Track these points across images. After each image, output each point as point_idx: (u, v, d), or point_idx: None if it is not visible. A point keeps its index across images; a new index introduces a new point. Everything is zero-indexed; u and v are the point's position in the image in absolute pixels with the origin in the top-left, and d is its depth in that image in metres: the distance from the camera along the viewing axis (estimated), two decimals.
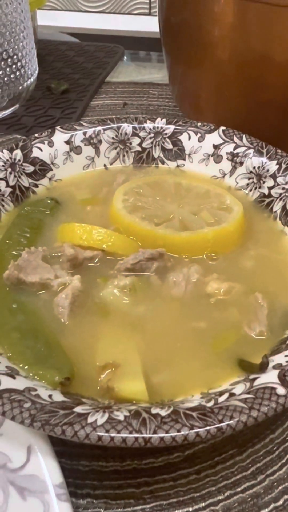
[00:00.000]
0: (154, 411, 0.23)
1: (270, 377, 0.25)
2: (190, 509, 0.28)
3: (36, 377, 0.27)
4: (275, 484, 0.29)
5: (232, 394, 0.24)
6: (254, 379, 0.25)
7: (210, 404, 0.24)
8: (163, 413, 0.23)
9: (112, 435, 0.22)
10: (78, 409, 0.23)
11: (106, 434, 0.22)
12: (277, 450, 0.31)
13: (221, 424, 0.22)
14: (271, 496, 0.28)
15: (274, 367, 0.26)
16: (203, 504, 0.28)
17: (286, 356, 0.26)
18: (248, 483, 0.29)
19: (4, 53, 0.42)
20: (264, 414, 0.23)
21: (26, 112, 0.61)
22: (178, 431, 0.22)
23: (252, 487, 0.29)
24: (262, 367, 0.26)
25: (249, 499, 0.28)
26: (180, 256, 0.35)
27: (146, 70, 0.74)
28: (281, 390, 0.24)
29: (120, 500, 0.28)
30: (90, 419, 0.23)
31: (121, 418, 0.23)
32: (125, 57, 0.79)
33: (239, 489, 0.29)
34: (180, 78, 0.57)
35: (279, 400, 0.23)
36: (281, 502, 0.28)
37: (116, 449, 0.30)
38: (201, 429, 0.22)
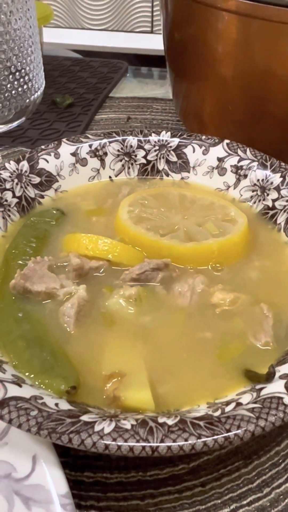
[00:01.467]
0: (161, 420, 0.23)
1: (277, 387, 0.25)
2: None
3: (42, 385, 0.27)
4: (281, 497, 0.29)
5: (239, 404, 0.24)
6: (261, 389, 0.25)
7: (217, 414, 0.24)
8: (170, 422, 0.23)
9: (119, 443, 0.22)
10: (85, 418, 0.23)
11: (113, 443, 0.22)
12: (283, 462, 0.30)
13: (229, 434, 0.22)
14: (277, 509, 0.28)
15: (281, 377, 0.26)
16: None
17: None
18: (254, 496, 0.29)
19: (13, 67, 0.42)
20: (272, 424, 0.23)
21: (32, 125, 0.62)
22: (186, 440, 0.22)
23: (258, 500, 0.29)
24: (269, 377, 0.26)
25: None
26: (185, 267, 0.35)
27: (148, 86, 0.76)
28: None
29: None
30: (97, 428, 0.22)
31: (128, 426, 0.23)
32: (127, 73, 0.80)
33: (245, 502, 0.29)
34: (184, 93, 0.57)
35: (287, 409, 0.23)
36: None
37: (120, 460, 0.30)
38: (209, 439, 0.22)
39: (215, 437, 0.22)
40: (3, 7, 0.40)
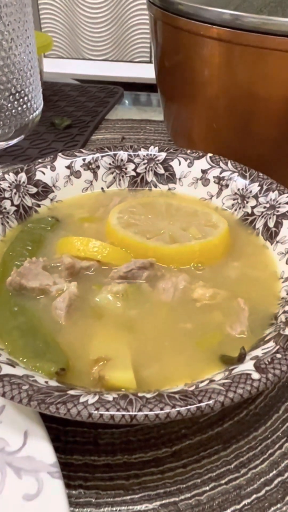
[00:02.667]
0: (140, 394, 0.26)
1: (247, 366, 0.27)
2: (177, 499, 0.30)
3: (34, 369, 0.29)
4: (257, 476, 0.31)
5: (212, 381, 0.27)
6: (233, 369, 0.28)
7: (191, 389, 0.26)
8: (148, 395, 0.25)
9: (101, 412, 0.24)
10: (71, 392, 0.26)
11: (96, 412, 0.24)
12: (260, 446, 0.32)
13: (201, 404, 0.24)
14: (253, 487, 0.30)
15: (252, 359, 0.28)
16: (189, 495, 0.30)
17: (263, 349, 0.29)
18: (231, 476, 0.31)
19: (13, 88, 0.46)
20: (240, 395, 0.25)
21: (31, 145, 0.66)
22: (161, 409, 0.24)
23: (235, 479, 0.31)
24: (240, 358, 0.28)
25: (232, 490, 0.30)
26: (169, 267, 0.37)
27: (142, 110, 0.80)
28: (256, 375, 0.26)
29: (110, 491, 0.30)
30: (82, 399, 0.25)
31: (110, 398, 0.25)
32: (126, 101, 0.84)
33: (223, 481, 0.31)
34: (174, 114, 0.61)
35: (254, 383, 0.25)
36: (262, 493, 0.30)
37: (108, 444, 0.32)
38: (182, 408, 0.24)
39: (188, 407, 0.24)
40: (5, 35, 0.44)
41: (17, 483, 0.25)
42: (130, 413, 0.24)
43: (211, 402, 0.24)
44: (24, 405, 0.25)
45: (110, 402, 0.25)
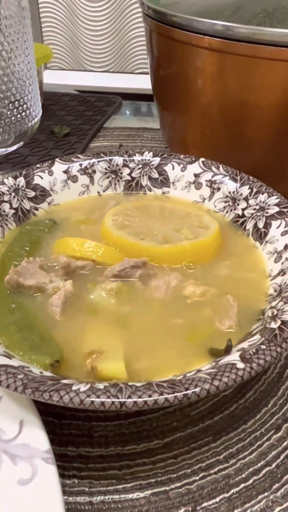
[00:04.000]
0: (130, 383, 0.27)
1: (233, 357, 0.28)
2: (167, 488, 0.31)
3: (29, 361, 0.30)
4: (245, 466, 0.32)
5: (199, 371, 0.28)
6: (220, 360, 0.29)
7: (179, 378, 0.27)
8: (138, 384, 0.27)
9: (92, 399, 0.25)
10: (65, 381, 0.27)
11: (87, 399, 0.25)
12: (248, 438, 0.33)
13: (187, 391, 0.26)
14: (241, 476, 0.31)
15: (238, 350, 0.29)
16: (179, 484, 0.31)
17: (249, 342, 0.30)
18: (221, 466, 0.32)
19: (12, 96, 0.48)
20: (225, 384, 0.26)
21: (31, 152, 0.67)
22: (150, 396, 0.25)
23: (224, 469, 0.32)
24: (227, 350, 0.30)
25: (221, 479, 0.31)
26: (161, 266, 0.39)
27: (140, 119, 0.82)
28: (240, 365, 0.27)
29: (103, 480, 0.31)
30: (74, 387, 0.26)
31: (101, 387, 0.26)
32: (127, 112, 0.86)
33: (212, 471, 0.31)
34: (169, 122, 0.63)
35: (238, 372, 0.27)
36: (250, 482, 0.31)
37: (101, 437, 0.33)
38: (170, 395, 0.25)
39: (175, 394, 0.25)
40: (4, 46, 0.46)
41: (12, 469, 0.27)
42: (120, 400, 0.25)
43: (197, 389, 0.26)
44: (19, 392, 0.26)
45: (101, 390, 0.26)
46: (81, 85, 1.21)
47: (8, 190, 0.44)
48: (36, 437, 0.28)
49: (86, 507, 0.30)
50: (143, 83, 1.22)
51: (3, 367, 0.27)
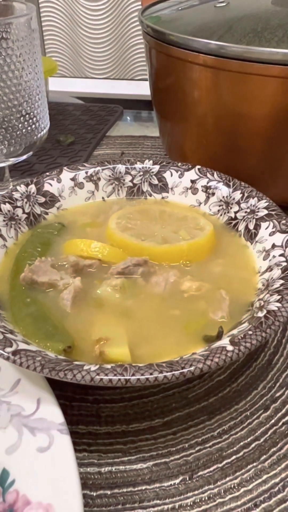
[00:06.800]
0: (134, 364, 0.31)
1: (223, 342, 0.32)
2: (167, 459, 0.35)
3: (44, 347, 0.34)
4: (237, 441, 0.36)
5: (194, 353, 0.32)
6: (212, 344, 0.33)
7: (176, 359, 0.31)
8: (141, 365, 0.31)
9: (101, 377, 0.29)
10: (77, 362, 0.31)
11: (97, 376, 0.29)
12: (240, 416, 0.37)
13: (184, 370, 0.30)
14: (233, 449, 0.35)
15: (228, 336, 0.33)
16: (178, 456, 0.35)
17: (238, 329, 0.34)
18: (215, 441, 0.36)
19: (23, 110, 0.52)
20: (216, 363, 0.30)
21: (38, 161, 0.72)
22: (151, 374, 0.29)
23: (218, 444, 0.35)
24: (218, 335, 0.34)
25: (215, 452, 0.35)
26: (161, 264, 0.43)
27: (141, 127, 0.86)
28: (230, 348, 0.31)
29: (110, 454, 0.35)
30: (86, 367, 0.30)
31: (109, 367, 0.30)
32: (128, 118, 0.90)
33: (207, 445, 0.35)
34: (168, 131, 0.67)
35: (228, 354, 0.31)
36: (241, 454, 0.35)
37: (108, 416, 0.37)
38: (168, 373, 0.29)
39: (173, 372, 0.29)
40: (16, 65, 0.50)
41: (32, 439, 0.30)
42: (125, 377, 0.29)
43: (192, 368, 0.30)
44: (38, 372, 0.30)
45: (108, 369, 0.30)
46: (83, 92, 1.25)
47: (20, 197, 0.48)
48: (52, 412, 0.32)
49: (96, 476, 0.34)
50: (144, 89, 1.26)
51: (23, 351, 0.31)
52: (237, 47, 0.49)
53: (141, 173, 0.53)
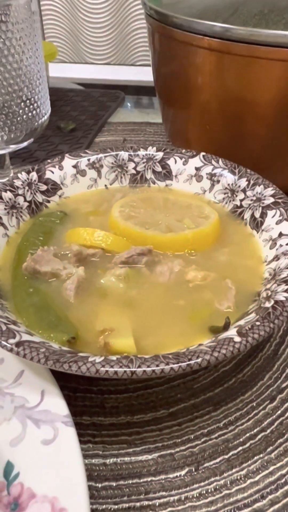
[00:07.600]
0: (140, 356, 0.30)
1: (230, 332, 0.32)
2: (173, 451, 0.34)
3: (48, 338, 0.34)
4: (243, 432, 0.35)
5: (200, 345, 0.31)
6: (219, 335, 0.32)
7: (183, 351, 0.31)
8: (147, 356, 0.30)
9: (107, 369, 0.29)
10: (81, 354, 0.30)
11: (102, 368, 0.29)
12: (246, 407, 0.37)
13: (190, 361, 0.29)
14: (239, 441, 0.35)
15: (235, 327, 0.33)
16: (183, 447, 0.34)
17: (245, 320, 0.33)
18: (220, 432, 0.35)
19: (24, 96, 0.51)
20: (224, 355, 0.29)
21: (39, 148, 0.70)
22: (157, 366, 0.29)
23: (224, 435, 0.35)
24: (225, 326, 0.33)
25: (221, 443, 0.35)
26: (165, 253, 0.42)
27: (143, 113, 0.84)
28: (237, 339, 0.30)
29: (115, 445, 0.35)
30: (91, 359, 0.29)
31: (114, 358, 0.30)
32: (128, 104, 0.89)
33: (213, 436, 0.35)
34: (171, 117, 0.66)
35: (235, 345, 0.30)
36: (247, 445, 0.34)
37: (112, 407, 0.37)
38: (175, 365, 0.29)
39: (180, 364, 0.29)
40: (16, 49, 0.49)
41: (36, 431, 0.30)
42: (131, 369, 0.29)
43: (199, 359, 0.29)
44: (42, 364, 0.29)
45: (114, 361, 0.29)
46: (83, 78, 1.23)
47: (22, 184, 0.47)
48: (56, 404, 0.31)
49: (101, 468, 0.33)
50: (145, 75, 1.24)
51: (27, 342, 0.31)
52: (243, 30, 0.47)
53: (145, 160, 0.52)
